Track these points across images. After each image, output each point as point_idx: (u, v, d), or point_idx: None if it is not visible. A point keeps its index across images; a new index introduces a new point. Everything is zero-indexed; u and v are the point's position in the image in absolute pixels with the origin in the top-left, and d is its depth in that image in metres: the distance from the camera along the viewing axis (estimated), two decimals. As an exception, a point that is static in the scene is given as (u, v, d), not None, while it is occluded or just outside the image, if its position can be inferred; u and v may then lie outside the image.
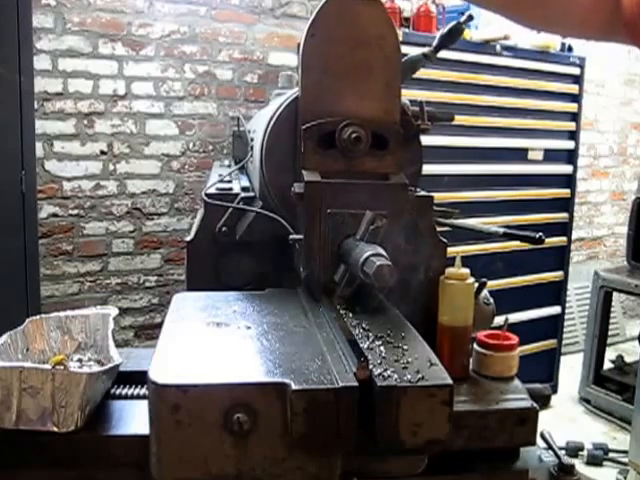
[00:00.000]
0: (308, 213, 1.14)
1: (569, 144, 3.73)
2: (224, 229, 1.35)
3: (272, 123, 1.28)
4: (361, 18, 1.21)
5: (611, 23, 0.59)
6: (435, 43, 1.41)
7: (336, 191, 1.14)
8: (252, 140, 1.60)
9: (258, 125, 1.54)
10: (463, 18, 1.37)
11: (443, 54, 1.47)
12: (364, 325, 1.03)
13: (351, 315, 1.07)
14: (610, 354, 3.88)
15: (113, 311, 1.24)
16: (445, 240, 1.32)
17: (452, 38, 1.40)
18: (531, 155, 3.55)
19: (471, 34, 3.23)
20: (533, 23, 0.86)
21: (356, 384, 0.85)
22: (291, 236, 1.20)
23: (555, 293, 3.81)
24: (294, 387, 0.83)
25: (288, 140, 1.26)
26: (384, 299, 1.13)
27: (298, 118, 1.22)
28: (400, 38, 1.31)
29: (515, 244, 3.18)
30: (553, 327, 3.82)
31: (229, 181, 1.55)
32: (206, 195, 1.37)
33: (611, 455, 3.08)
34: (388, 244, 1.05)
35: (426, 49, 1.42)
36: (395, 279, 0.94)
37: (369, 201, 1.13)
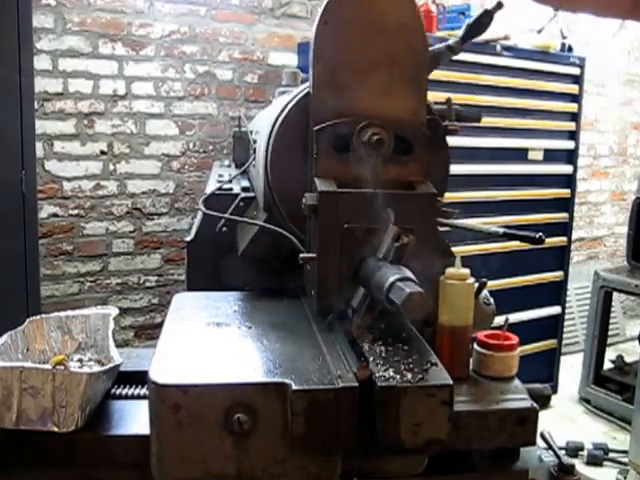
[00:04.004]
0: (322, 228, 1.00)
1: (569, 144, 3.73)
2: (224, 229, 1.34)
3: (279, 124, 1.15)
4: (381, 3, 1.06)
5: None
6: (461, 33, 1.25)
7: (354, 202, 1.00)
8: (255, 142, 1.50)
9: (261, 126, 1.44)
10: (492, 6, 1.21)
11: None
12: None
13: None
14: (610, 354, 3.88)
15: (113, 311, 1.24)
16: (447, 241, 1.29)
17: (480, 28, 1.23)
18: (531, 155, 3.55)
19: (471, 34, 3.23)
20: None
21: (356, 384, 0.85)
22: (301, 255, 1.04)
23: (555, 293, 3.81)
24: (294, 387, 0.83)
25: (297, 143, 1.11)
26: (413, 328, 1.01)
27: (309, 118, 1.09)
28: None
29: (515, 244, 3.17)
30: (553, 327, 3.82)
31: (229, 181, 1.54)
32: (205, 199, 1.35)
33: (611, 455, 3.07)
34: (414, 263, 0.91)
35: (451, 40, 1.26)
36: (428, 309, 0.82)
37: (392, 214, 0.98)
